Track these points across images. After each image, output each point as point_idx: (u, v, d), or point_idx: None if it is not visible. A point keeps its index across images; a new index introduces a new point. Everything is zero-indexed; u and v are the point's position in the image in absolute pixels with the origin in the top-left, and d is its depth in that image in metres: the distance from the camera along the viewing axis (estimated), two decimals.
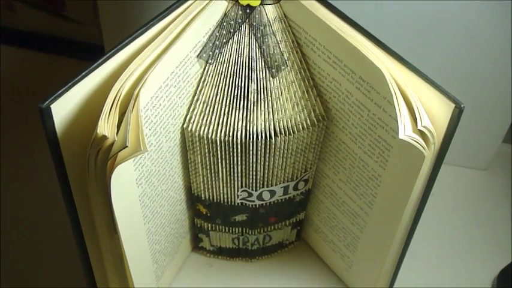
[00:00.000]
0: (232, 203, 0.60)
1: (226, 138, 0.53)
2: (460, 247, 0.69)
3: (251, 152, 0.54)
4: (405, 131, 0.45)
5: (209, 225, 0.64)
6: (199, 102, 0.54)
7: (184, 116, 0.54)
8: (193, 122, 0.54)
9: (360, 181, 0.56)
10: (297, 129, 0.54)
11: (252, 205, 0.60)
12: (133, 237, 0.51)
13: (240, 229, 0.64)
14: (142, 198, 0.50)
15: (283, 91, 0.54)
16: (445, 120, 0.46)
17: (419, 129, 0.46)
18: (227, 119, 0.53)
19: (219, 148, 0.54)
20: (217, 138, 0.53)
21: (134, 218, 0.50)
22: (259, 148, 0.54)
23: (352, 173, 0.56)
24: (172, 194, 0.57)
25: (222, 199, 0.60)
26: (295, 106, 0.54)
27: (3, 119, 0.76)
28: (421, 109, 0.46)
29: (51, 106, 0.42)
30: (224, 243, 0.66)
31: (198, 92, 0.54)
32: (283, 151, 0.55)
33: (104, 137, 0.41)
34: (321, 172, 0.61)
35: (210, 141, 0.54)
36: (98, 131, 0.41)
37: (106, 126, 0.42)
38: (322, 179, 0.61)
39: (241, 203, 0.60)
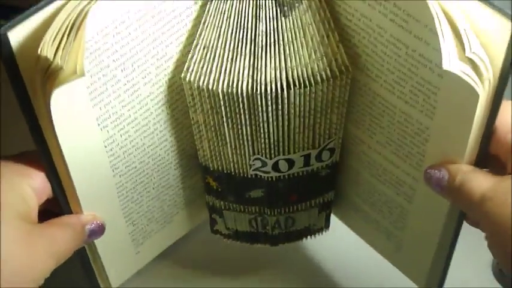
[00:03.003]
0: (245, 175, 0.52)
1: (230, 90, 0.45)
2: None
3: (260, 108, 0.46)
4: (450, 60, 0.38)
5: (221, 203, 0.56)
6: (198, 47, 0.46)
7: (177, 61, 0.47)
8: (192, 71, 0.46)
9: (402, 140, 0.47)
10: (314, 81, 0.46)
11: (267, 177, 0.52)
12: (92, 182, 0.46)
13: (256, 208, 0.55)
14: (110, 145, 0.45)
15: (297, 34, 0.45)
16: (501, 46, 0.38)
17: (468, 57, 0.38)
18: (231, 66, 0.46)
19: (222, 103, 0.46)
20: (219, 90, 0.45)
21: (96, 164, 0.45)
22: (270, 103, 0.46)
23: (392, 131, 0.48)
24: (162, 154, 0.50)
25: (232, 169, 0.52)
26: (313, 53, 0.46)
27: None
28: (469, 32, 0.38)
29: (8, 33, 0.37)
30: (240, 226, 0.58)
31: (197, 36, 0.46)
32: (300, 108, 0.47)
33: (47, 59, 0.37)
34: (353, 138, 0.52)
35: (211, 93, 0.46)
36: (40, 52, 0.37)
37: (49, 47, 0.37)
38: (356, 146, 0.52)
39: (255, 175, 0.52)
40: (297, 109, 0.47)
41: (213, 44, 0.46)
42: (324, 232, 0.60)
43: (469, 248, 0.56)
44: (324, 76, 0.46)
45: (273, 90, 0.45)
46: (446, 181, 0.43)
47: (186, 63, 0.46)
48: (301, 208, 0.56)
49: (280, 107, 0.46)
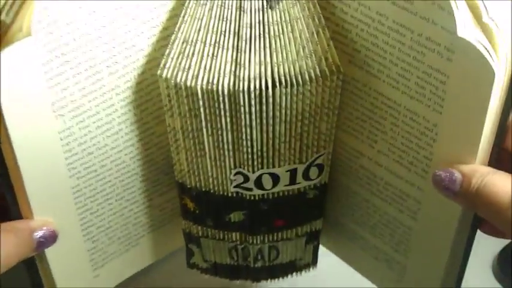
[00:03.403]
0: (225, 193, 0.47)
1: (210, 87, 0.41)
2: None
3: (242, 109, 0.42)
4: (465, 25, 0.35)
5: (199, 228, 0.51)
6: (177, 42, 0.42)
7: (148, 56, 0.43)
8: (169, 67, 0.42)
9: (407, 144, 0.43)
10: (302, 80, 0.42)
11: (250, 196, 0.47)
12: (45, 180, 0.42)
13: (237, 235, 0.50)
14: (67, 138, 0.41)
15: (284, 29, 0.42)
16: None
17: (484, 23, 0.35)
18: (211, 61, 0.42)
19: (201, 103, 0.42)
20: (198, 87, 0.41)
21: (50, 159, 0.41)
22: (253, 103, 0.42)
23: (395, 135, 0.44)
24: (126, 160, 0.46)
25: (211, 186, 0.47)
26: (301, 50, 0.42)
27: None
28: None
29: None
30: (220, 258, 0.53)
31: (176, 31, 0.43)
32: (285, 112, 0.43)
33: None
34: (351, 151, 0.48)
35: (189, 92, 0.42)
36: None
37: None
38: (354, 161, 0.48)
39: (237, 193, 0.47)
40: (283, 112, 0.43)
41: (192, 38, 0.42)
42: (311, 269, 0.55)
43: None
44: (313, 75, 0.42)
45: (257, 87, 0.41)
46: (459, 185, 0.39)
47: (163, 60, 0.42)
48: (286, 236, 0.51)
49: (264, 108, 0.42)
